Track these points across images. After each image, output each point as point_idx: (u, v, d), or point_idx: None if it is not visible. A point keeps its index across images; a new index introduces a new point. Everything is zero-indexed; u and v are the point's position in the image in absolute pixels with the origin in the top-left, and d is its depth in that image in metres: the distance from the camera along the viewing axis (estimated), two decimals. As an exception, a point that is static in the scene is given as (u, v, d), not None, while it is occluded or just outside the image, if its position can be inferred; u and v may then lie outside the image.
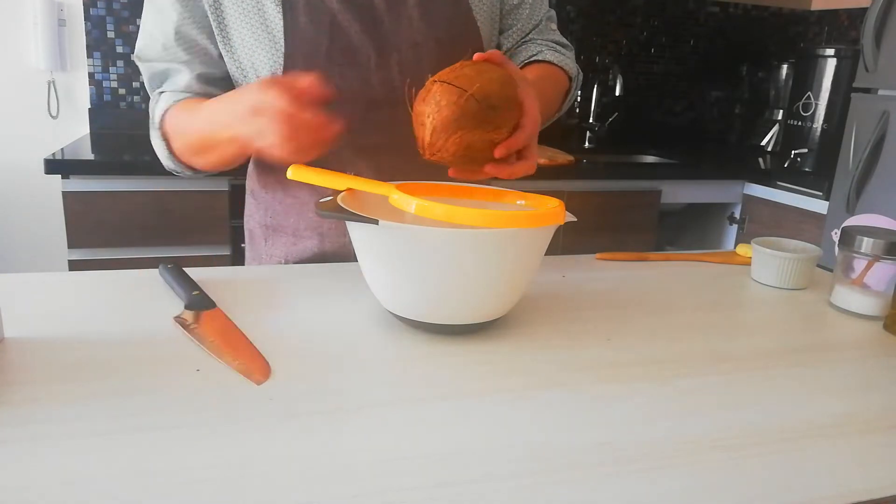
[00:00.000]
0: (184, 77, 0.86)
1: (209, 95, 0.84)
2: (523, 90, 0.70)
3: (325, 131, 0.66)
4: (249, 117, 0.68)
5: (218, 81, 0.88)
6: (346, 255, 0.91)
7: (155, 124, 0.86)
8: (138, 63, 0.89)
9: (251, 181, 0.99)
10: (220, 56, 0.86)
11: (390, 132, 0.83)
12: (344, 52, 0.84)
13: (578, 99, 2.55)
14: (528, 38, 0.98)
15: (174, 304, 0.70)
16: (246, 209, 1.01)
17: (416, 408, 0.53)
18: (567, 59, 0.97)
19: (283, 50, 0.82)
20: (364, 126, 0.85)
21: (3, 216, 2.11)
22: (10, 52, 2.03)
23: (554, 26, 1.01)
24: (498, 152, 0.68)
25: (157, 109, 0.87)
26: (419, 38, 0.86)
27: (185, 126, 0.83)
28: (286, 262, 0.94)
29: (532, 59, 0.95)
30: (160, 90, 0.88)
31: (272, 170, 0.92)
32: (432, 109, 0.65)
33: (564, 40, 1.01)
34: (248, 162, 0.96)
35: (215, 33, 0.84)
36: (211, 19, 0.83)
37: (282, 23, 0.82)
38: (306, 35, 0.82)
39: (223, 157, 0.80)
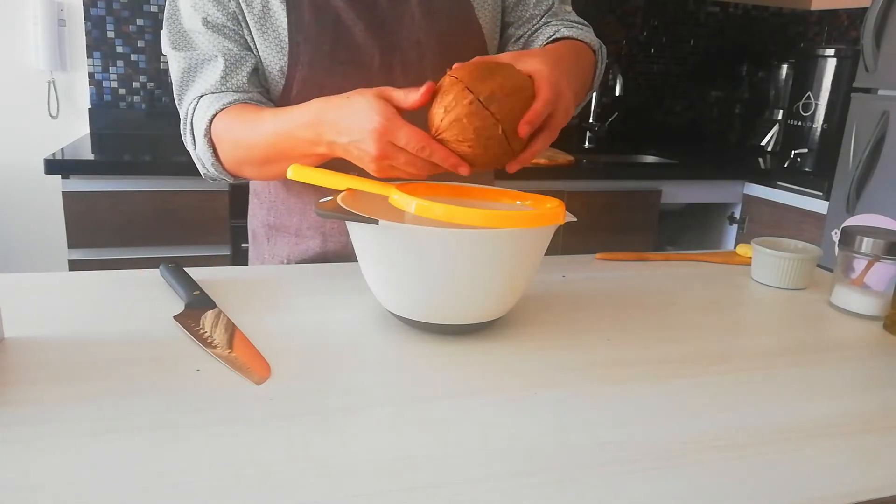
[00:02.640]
0: (217, 70, 0.82)
1: (245, 93, 0.83)
2: (535, 69, 0.68)
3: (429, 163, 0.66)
4: (343, 135, 0.68)
5: (254, 76, 0.85)
6: (348, 254, 0.91)
7: (201, 131, 0.82)
8: (172, 52, 0.84)
9: (254, 181, 0.99)
10: (250, 47, 0.84)
11: None
12: (348, 51, 0.83)
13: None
14: (543, 23, 0.95)
15: (174, 304, 0.70)
16: (249, 209, 1.01)
17: (416, 408, 0.53)
18: (587, 34, 0.93)
19: (287, 48, 0.82)
20: None
21: (3, 216, 2.11)
22: (10, 52, 2.03)
23: (568, 7, 0.98)
24: (521, 129, 0.66)
25: (198, 115, 0.83)
26: (422, 36, 0.86)
27: (245, 136, 0.79)
28: (289, 262, 0.94)
29: (551, 40, 0.92)
30: (199, 94, 0.83)
31: None
32: (442, 108, 0.65)
33: (581, 19, 0.98)
34: None
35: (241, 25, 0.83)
36: (235, 11, 0.82)
37: (286, 21, 0.82)
38: (311, 33, 0.82)
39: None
